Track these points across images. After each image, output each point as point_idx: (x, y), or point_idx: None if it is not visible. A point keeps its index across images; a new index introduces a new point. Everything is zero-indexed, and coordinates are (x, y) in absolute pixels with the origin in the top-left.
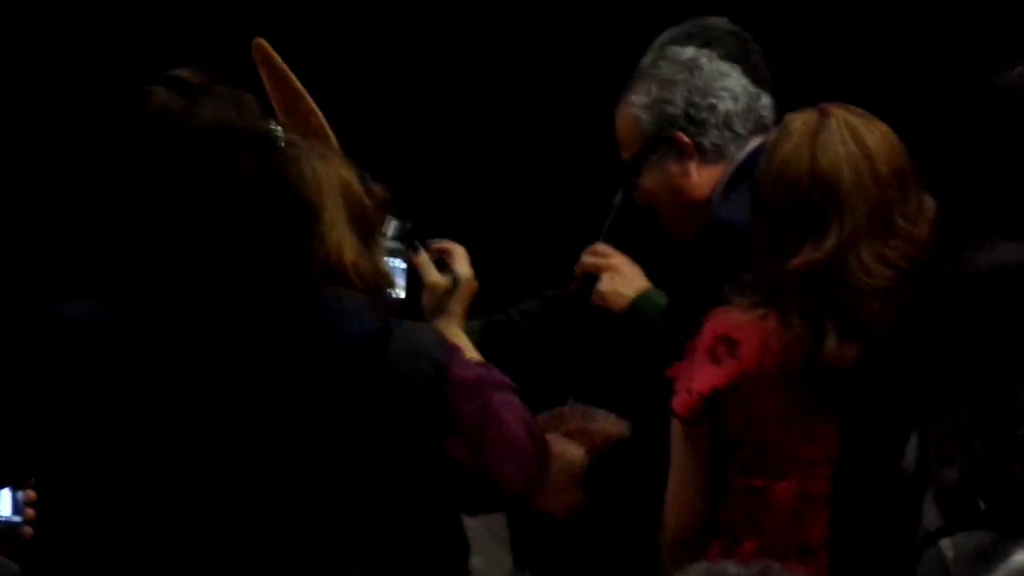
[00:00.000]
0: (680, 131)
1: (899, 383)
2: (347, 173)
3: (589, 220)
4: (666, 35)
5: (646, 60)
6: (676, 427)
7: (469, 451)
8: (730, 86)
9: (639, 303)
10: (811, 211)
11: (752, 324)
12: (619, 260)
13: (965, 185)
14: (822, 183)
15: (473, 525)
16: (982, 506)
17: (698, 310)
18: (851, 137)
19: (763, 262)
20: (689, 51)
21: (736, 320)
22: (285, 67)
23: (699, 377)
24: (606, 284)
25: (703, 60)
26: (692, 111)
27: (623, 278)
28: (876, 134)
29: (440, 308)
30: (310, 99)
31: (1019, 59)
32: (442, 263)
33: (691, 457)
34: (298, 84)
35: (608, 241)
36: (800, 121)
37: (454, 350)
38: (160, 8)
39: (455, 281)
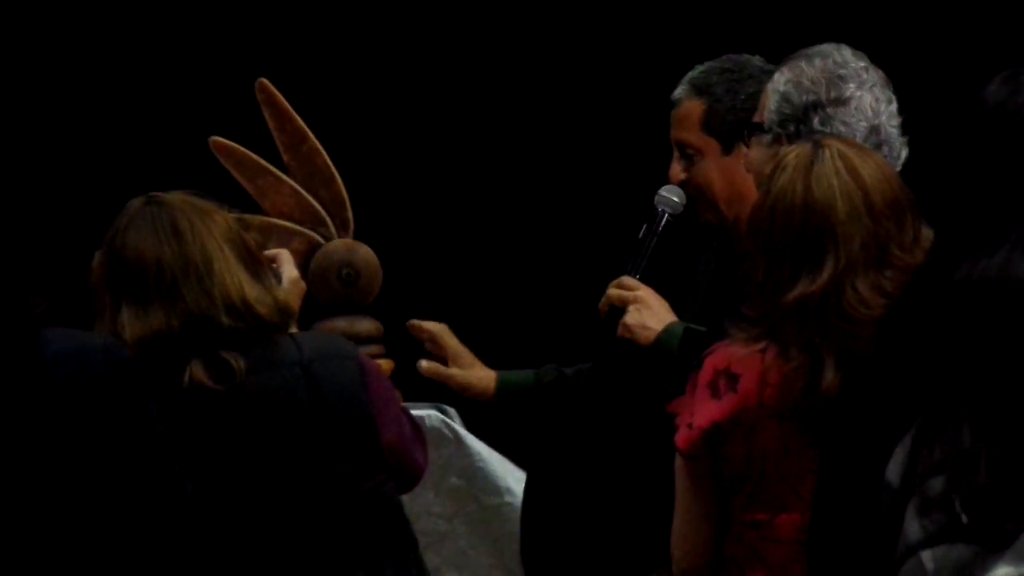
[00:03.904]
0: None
1: (881, 397)
2: (226, 219)
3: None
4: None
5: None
6: (679, 462)
7: (391, 435)
8: None
9: (665, 337)
10: (806, 243)
11: (752, 358)
12: (645, 293)
13: (957, 202)
14: (816, 215)
15: (487, 563)
16: (964, 519)
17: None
18: (845, 168)
19: (761, 295)
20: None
21: (736, 354)
22: (289, 107)
23: (700, 412)
24: (633, 317)
25: None
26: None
27: (650, 311)
28: (870, 165)
29: None
30: (314, 139)
31: (1004, 68)
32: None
33: (694, 491)
34: (302, 124)
35: (635, 274)
36: (794, 153)
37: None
38: (168, 51)
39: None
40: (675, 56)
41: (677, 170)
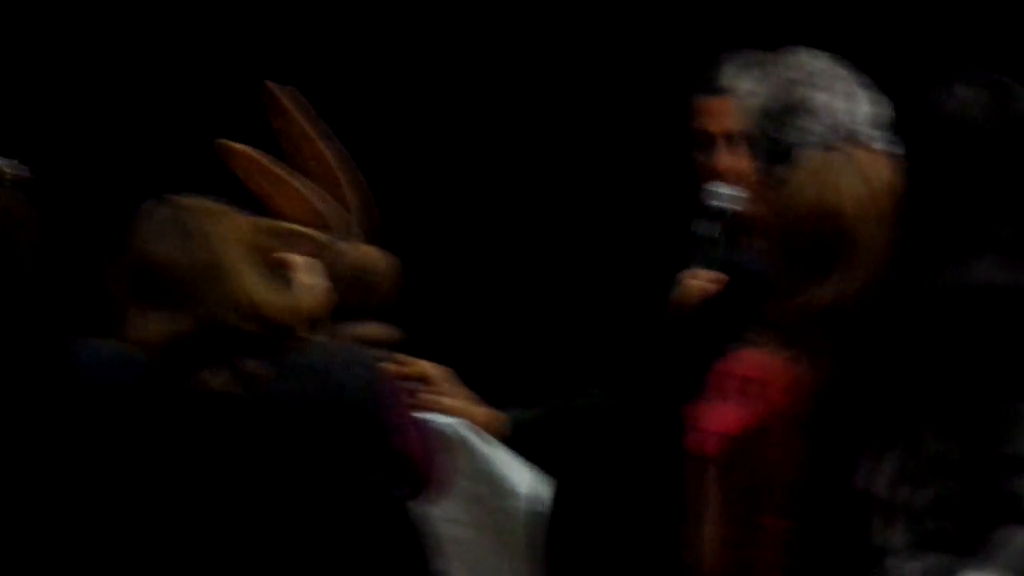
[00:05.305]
0: None
1: (852, 404)
2: (241, 223)
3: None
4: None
5: None
6: (697, 468)
7: (407, 443)
8: None
9: None
10: (819, 248)
11: (770, 363)
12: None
13: (919, 210)
14: (829, 220)
15: (498, 565)
16: (931, 527)
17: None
18: (860, 174)
19: (777, 299)
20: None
21: (755, 360)
22: (294, 110)
23: (719, 418)
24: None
25: None
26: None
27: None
28: (886, 172)
29: None
30: (319, 142)
31: (960, 72)
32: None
33: (716, 497)
34: (307, 127)
35: (700, 267)
36: (811, 158)
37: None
38: (176, 53)
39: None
40: (677, 63)
41: (729, 161)
